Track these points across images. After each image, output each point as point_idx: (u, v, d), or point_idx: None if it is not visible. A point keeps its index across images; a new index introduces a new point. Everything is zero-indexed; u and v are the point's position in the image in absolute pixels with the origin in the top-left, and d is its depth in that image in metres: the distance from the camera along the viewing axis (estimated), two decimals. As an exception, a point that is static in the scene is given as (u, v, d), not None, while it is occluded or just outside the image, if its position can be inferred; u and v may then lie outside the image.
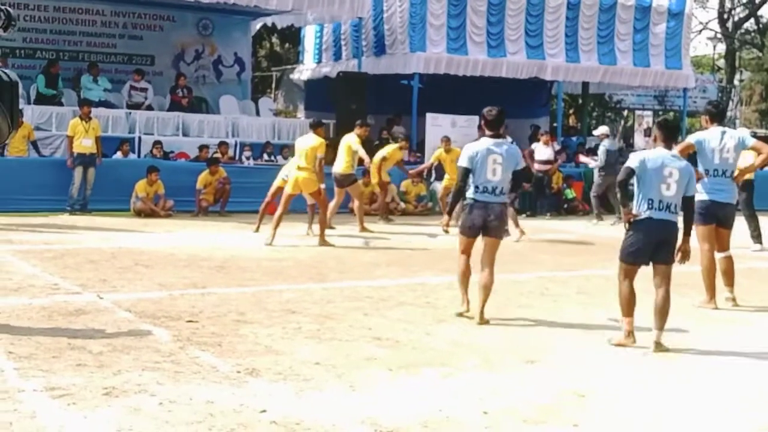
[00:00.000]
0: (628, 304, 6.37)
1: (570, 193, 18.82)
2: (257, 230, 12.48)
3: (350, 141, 13.25)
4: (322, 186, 11.91)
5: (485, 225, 7.12)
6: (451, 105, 19.13)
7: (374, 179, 15.51)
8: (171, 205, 15.04)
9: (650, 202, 6.27)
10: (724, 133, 7.85)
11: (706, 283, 7.90)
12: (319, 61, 22.87)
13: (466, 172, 7.16)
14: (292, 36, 28.65)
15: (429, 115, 18.82)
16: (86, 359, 5.34)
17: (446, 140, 15.77)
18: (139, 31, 20.03)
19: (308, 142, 11.78)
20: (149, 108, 17.89)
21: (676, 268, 6.51)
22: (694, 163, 7.49)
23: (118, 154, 15.81)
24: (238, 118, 18.77)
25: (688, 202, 6.41)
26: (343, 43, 21.85)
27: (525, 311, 7.60)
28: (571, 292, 8.68)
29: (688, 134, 26.08)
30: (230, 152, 17.27)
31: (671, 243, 6.36)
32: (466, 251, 7.29)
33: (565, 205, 18.62)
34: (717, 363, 6.02)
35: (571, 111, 32.57)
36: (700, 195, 7.69)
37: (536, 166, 17.71)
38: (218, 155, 16.31)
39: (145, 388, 4.84)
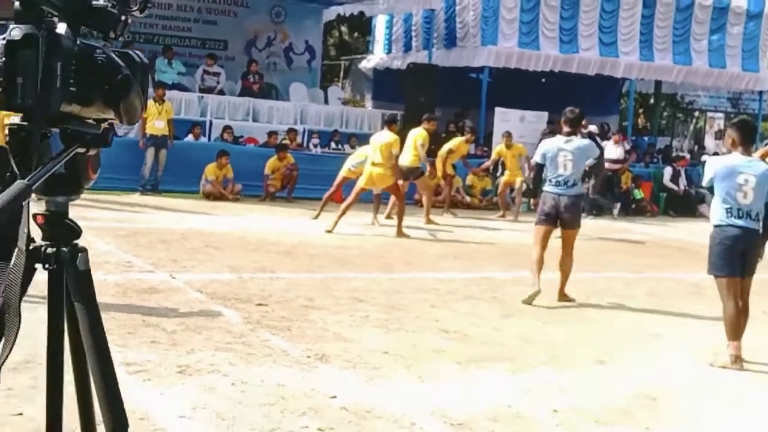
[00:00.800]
0: (736, 324, 5.93)
1: (638, 194, 18.56)
2: (317, 217, 12.56)
3: (418, 135, 13.23)
4: (400, 182, 11.98)
5: (558, 215, 7.72)
6: (520, 100, 18.98)
7: (439, 172, 15.51)
8: (239, 189, 15.22)
9: (728, 210, 5.96)
10: (809, 137, 7.64)
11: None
12: (389, 52, 22.89)
13: (539, 169, 8.10)
14: (362, 25, 28.71)
15: (498, 110, 18.71)
16: (160, 337, 5.44)
17: (507, 135, 15.86)
18: (213, 16, 20.26)
19: (383, 138, 11.87)
20: (221, 92, 18.11)
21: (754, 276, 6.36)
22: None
23: (190, 137, 16.05)
24: (307, 106, 18.89)
25: None
26: (413, 34, 21.83)
27: (593, 311, 7.53)
28: (640, 294, 8.57)
29: (763, 138, 25.58)
30: (298, 139, 17.40)
31: (755, 253, 6.04)
32: (541, 241, 7.86)
33: (633, 206, 18.37)
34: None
35: (640, 110, 32.09)
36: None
37: (606, 165, 17.48)
38: (287, 142, 16.46)
39: (218, 368, 4.92)
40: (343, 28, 32.54)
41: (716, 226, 6.04)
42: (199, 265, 8.32)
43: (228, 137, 16.44)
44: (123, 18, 1.62)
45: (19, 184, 1.42)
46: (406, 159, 13.05)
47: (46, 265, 1.68)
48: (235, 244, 9.93)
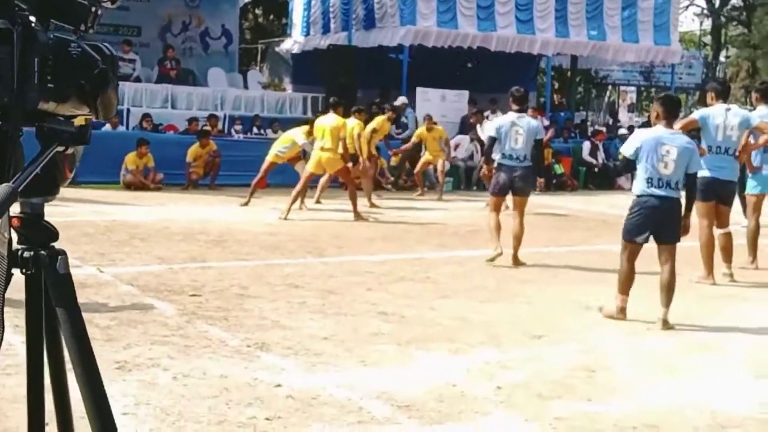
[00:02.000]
0: (626, 282, 6.42)
1: (559, 169, 18.86)
2: (246, 204, 12.44)
3: (354, 125, 13.12)
4: (349, 165, 11.95)
5: (512, 185, 8.52)
6: (440, 80, 19.07)
7: (364, 153, 15.48)
8: (161, 178, 14.95)
9: (649, 180, 6.26)
10: (728, 110, 7.88)
11: (705, 258, 7.97)
12: (307, 34, 22.70)
13: (492, 141, 8.76)
14: (277, 8, 28.43)
15: (419, 90, 18.76)
16: (94, 333, 5.31)
17: (428, 118, 16.04)
18: (125, 2, 19.73)
19: (330, 122, 11.81)
20: (137, 80, 17.73)
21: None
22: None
23: (107, 127, 15.66)
24: (226, 91, 18.65)
25: (691, 179, 6.41)
26: (332, 15, 21.68)
27: (525, 287, 7.63)
28: (569, 268, 8.72)
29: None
30: (219, 125, 17.16)
31: (675, 220, 6.36)
32: (496, 209, 8.66)
33: (554, 181, 18.66)
34: (716, 337, 6.07)
35: (557, 86, 32.58)
36: (702, 171, 7.74)
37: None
38: (208, 128, 16.21)
39: (157, 362, 4.83)
40: (258, 11, 32.15)
41: (637, 196, 6.37)
42: (126, 258, 8.16)
43: (147, 125, 16.12)
44: (93, 9, 1.55)
45: (5, 187, 1.36)
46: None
47: (24, 270, 1.61)
48: (162, 234, 9.76)
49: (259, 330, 5.66)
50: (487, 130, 8.97)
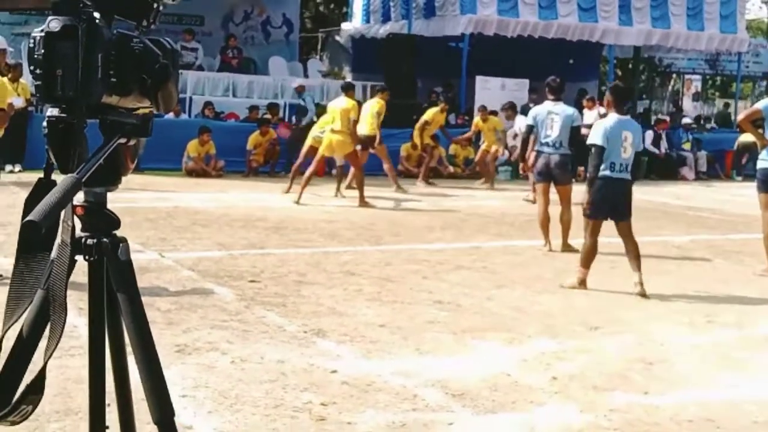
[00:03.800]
0: (590, 257, 7.01)
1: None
2: (288, 191, 12.51)
3: (374, 104, 13.16)
4: (358, 147, 11.97)
5: (550, 173, 8.63)
6: (500, 68, 18.95)
7: (417, 141, 15.65)
8: (222, 166, 15.16)
9: (612, 165, 6.78)
10: (794, 100, 7.71)
11: (768, 251, 7.81)
12: (368, 22, 22.74)
13: (530, 129, 8.99)
14: (338, -4, 28.51)
15: (479, 78, 18.68)
16: (155, 317, 5.43)
17: (482, 110, 16.21)
18: (189, -9, 20.05)
19: (340, 105, 11.90)
20: (199, 68, 17.97)
21: (736, 236, 6.46)
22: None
23: (170, 114, 15.90)
24: (286, 79, 18.77)
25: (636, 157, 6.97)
26: (392, 4, 21.68)
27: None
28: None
29: (741, 99, 25.61)
30: (279, 113, 17.31)
31: (627, 198, 6.96)
32: (544, 195, 8.80)
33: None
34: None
35: (619, 74, 32.11)
36: (765, 163, 7.62)
37: (583, 131, 17.51)
38: (268, 116, 16.36)
39: (215, 346, 4.93)
40: (319, 0, 32.28)
41: (600, 178, 6.82)
42: (188, 243, 8.31)
43: (209, 113, 16.35)
44: (155, 6, 1.60)
45: (69, 178, 1.42)
46: (364, 128, 12.94)
47: (87, 257, 1.67)
48: (222, 221, 9.90)
49: (316, 316, 5.73)
50: (524, 119, 9.13)
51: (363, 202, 11.77)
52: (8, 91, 6.42)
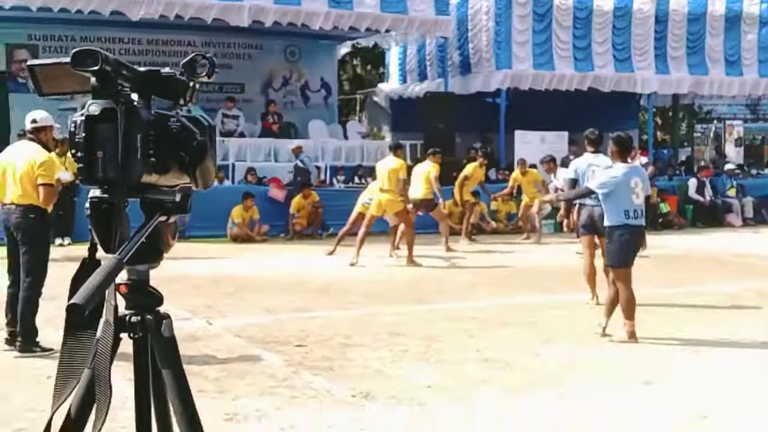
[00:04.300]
0: (632, 307, 6.98)
1: (665, 207, 18.45)
2: (332, 253, 12.55)
3: (431, 167, 13.25)
4: (409, 206, 11.99)
5: (594, 225, 8.29)
6: (539, 121, 19.00)
7: (457, 198, 15.59)
8: (266, 230, 15.28)
9: (626, 212, 6.90)
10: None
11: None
12: (404, 82, 23.00)
13: (573, 183, 8.81)
14: (375, 58, 28.88)
15: (518, 133, 18.73)
16: (205, 385, 5.44)
17: (522, 163, 16.16)
18: (229, 60, 20.44)
19: (389, 164, 11.99)
20: (241, 135, 18.23)
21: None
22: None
23: (214, 182, 16.12)
24: (326, 142, 18.98)
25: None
26: (428, 63, 21.93)
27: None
28: (678, 309, 8.48)
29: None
30: (321, 176, 17.46)
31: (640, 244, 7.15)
32: (588, 248, 8.59)
33: (660, 220, 18.26)
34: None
35: (659, 123, 31.97)
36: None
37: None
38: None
39: (265, 413, 4.91)
40: (356, 62, 32.74)
41: (616, 227, 6.95)
42: (234, 310, 8.34)
43: (252, 179, 16.53)
44: (191, 84, 1.64)
45: (112, 259, 1.44)
46: (419, 192, 13.04)
47: (132, 334, 1.69)
48: (268, 285, 9.95)
49: (363, 379, 5.69)
50: (565, 173, 8.98)
51: (411, 261, 11.76)
52: (56, 166, 6.56)
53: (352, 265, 11.56)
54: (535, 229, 15.70)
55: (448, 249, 13.48)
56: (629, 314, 6.92)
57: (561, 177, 15.02)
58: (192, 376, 5.24)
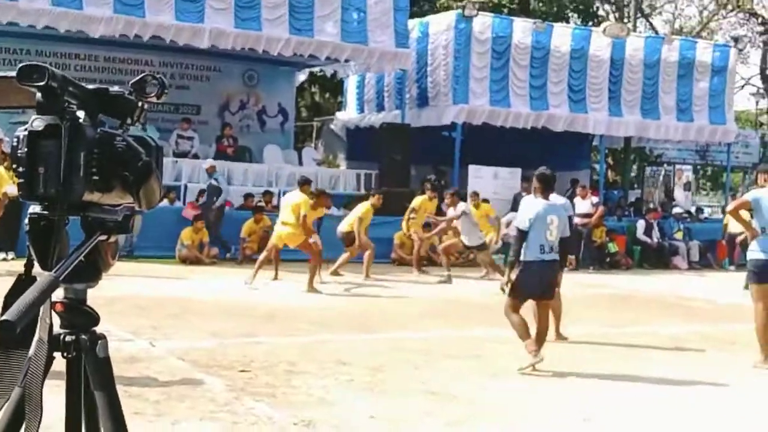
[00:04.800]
0: (527, 328, 7.24)
1: (613, 247, 18.70)
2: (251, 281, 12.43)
3: (363, 209, 13.98)
4: (311, 240, 12.30)
5: None
6: (493, 157, 19.19)
7: (404, 231, 15.54)
8: (215, 253, 15.18)
9: (541, 247, 7.17)
10: (781, 192, 7.79)
11: (761, 342, 7.77)
12: (362, 111, 23.09)
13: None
14: (333, 86, 28.97)
15: (471, 167, 18.88)
16: (144, 408, 5.36)
17: (474, 195, 16.12)
18: (186, 81, 20.38)
19: (293, 199, 12.37)
20: (195, 156, 18.13)
21: (730, 327, 6.45)
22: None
23: (164, 202, 15.99)
24: (281, 167, 18.94)
25: (563, 242, 7.40)
26: (386, 94, 22.05)
27: (576, 367, 7.50)
28: (621, 348, 8.58)
29: (731, 189, 25.88)
30: (274, 201, 17.39)
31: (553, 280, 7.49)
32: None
33: (608, 259, 18.49)
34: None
35: (611, 164, 32.48)
36: (756, 254, 7.69)
37: (576, 220, 17.61)
38: (262, 204, 16.44)
39: (204, 438, 4.85)
40: (315, 89, 32.81)
41: (529, 262, 7.22)
42: (179, 332, 8.25)
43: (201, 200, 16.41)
44: (140, 104, 1.63)
45: (47, 276, 1.42)
46: (344, 226, 13.94)
47: (65, 354, 1.66)
48: (215, 309, 9.86)
49: (306, 407, 5.65)
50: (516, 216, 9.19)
51: (311, 288, 11.86)
52: (4, 179, 6.48)
53: (248, 284, 11.85)
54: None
55: (367, 277, 13.55)
56: (523, 335, 7.18)
57: (512, 220, 15.07)
58: (131, 398, 5.19)
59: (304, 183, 12.96)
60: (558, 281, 8.84)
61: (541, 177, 7.52)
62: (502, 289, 7.57)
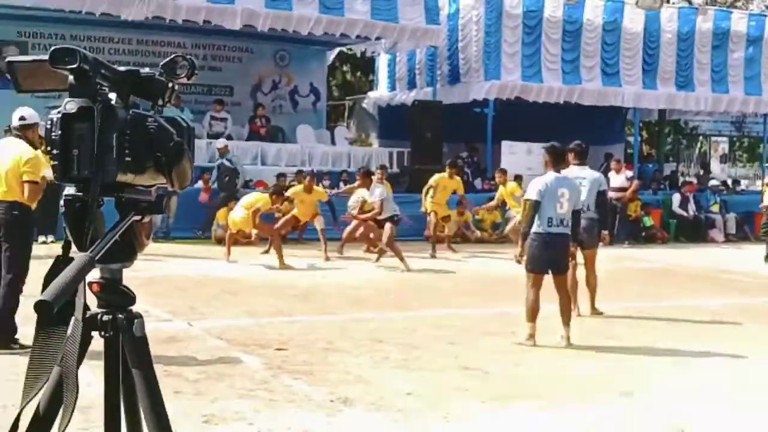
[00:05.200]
0: (534, 311, 7.19)
1: (648, 221, 18.54)
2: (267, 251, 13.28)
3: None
4: (254, 231, 12.64)
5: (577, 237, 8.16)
6: (526, 133, 19.05)
7: (424, 208, 14.95)
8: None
9: (549, 220, 7.13)
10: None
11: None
12: (393, 90, 23.04)
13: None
14: (364, 65, 28.90)
15: (505, 143, 18.79)
16: (183, 387, 5.43)
17: (501, 173, 15.55)
18: (219, 63, 20.45)
19: (252, 196, 12.89)
20: (229, 137, 18.21)
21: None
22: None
23: (200, 183, 16.10)
24: (314, 147, 18.99)
25: (575, 215, 7.34)
26: (417, 71, 21.97)
27: (613, 341, 7.49)
28: (660, 323, 8.53)
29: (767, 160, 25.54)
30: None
31: (565, 252, 7.35)
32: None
33: (643, 233, 18.35)
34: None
35: (645, 137, 32.14)
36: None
37: (610, 194, 17.44)
38: (295, 184, 16.46)
39: (243, 415, 4.91)
40: (346, 68, 32.77)
41: (538, 233, 7.18)
42: (216, 312, 8.33)
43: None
44: (170, 85, 1.65)
45: (83, 257, 1.44)
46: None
47: (103, 333, 1.69)
48: (251, 288, 9.94)
49: (343, 384, 5.70)
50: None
51: (282, 264, 12.05)
52: (43, 163, 6.54)
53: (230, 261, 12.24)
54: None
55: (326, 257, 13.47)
56: (530, 316, 7.18)
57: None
58: (170, 377, 5.26)
59: (276, 191, 13.11)
60: (594, 258, 8.84)
61: (550, 150, 7.46)
62: (518, 261, 7.56)
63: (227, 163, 16.11)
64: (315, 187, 14.59)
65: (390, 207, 12.73)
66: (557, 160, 7.44)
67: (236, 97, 20.58)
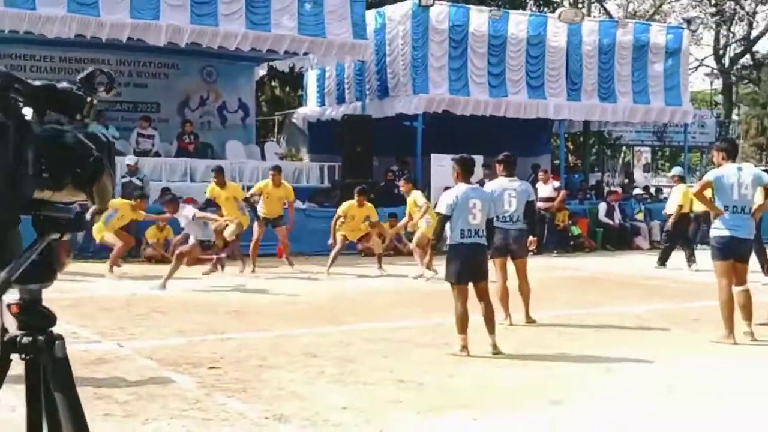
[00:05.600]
0: (464, 322, 7.26)
1: (576, 230, 18.87)
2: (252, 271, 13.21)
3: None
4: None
5: (508, 248, 8.75)
6: (455, 145, 19.16)
7: (331, 240, 13.83)
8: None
9: (462, 232, 7.19)
10: (740, 169, 7.93)
11: (725, 318, 7.91)
12: (323, 104, 23.05)
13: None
14: (293, 80, 28.87)
15: (434, 156, 18.91)
16: (113, 409, 5.33)
17: (405, 182, 14.61)
18: (144, 79, 20.19)
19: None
20: (156, 154, 17.98)
21: (693, 305, 6.54)
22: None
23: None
24: (244, 163, 18.86)
25: (489, 224, 7.38)
26: (346, 86, 22.02)
27: (544, 350, 7.59)
28: (588, 330, 8.67)
29: (689, 170, 26.20)
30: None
31: (483, 261, 7.44)
32: (501, 270, 8.79)
33: (571, 242, 18.66)
34: (737, 398, 6.01)
35: (571, 148, 32.74)
36: (720, 231, 7.83)
37: (539, 204, 17.71)
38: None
39: (175, 436, 4.84)
40: (275, 84, 32.67)
41: (453, 245, 7.28)
42: (146, 332, 8.20)
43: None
44: (89, 100, 1.62)
45: None
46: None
47: (23, 355, 1.64)
48: (182, 306, 9.81)
49: (277, 401, 5.66)
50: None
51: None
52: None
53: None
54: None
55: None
56: (461, 328, 7.22)
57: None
58: (100, 400, 5.16)
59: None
60: (525, 267, 8.98)
61: (460, 161, 7.52)
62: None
63: (136, 182, 15.79)
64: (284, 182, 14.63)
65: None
66: (467, 172, 7.51)
67: (163, 114, 20.32)
